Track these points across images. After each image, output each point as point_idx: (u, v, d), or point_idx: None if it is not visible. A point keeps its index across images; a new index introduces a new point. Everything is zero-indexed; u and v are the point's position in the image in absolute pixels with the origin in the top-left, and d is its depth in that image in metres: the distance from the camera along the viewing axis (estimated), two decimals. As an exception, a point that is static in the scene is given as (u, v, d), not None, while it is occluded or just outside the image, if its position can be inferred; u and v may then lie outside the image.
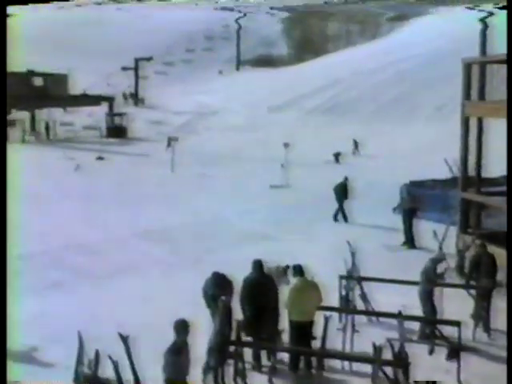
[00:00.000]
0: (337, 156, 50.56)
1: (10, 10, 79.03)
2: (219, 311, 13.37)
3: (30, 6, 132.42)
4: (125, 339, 11.26)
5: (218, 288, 14.82)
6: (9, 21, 67.87)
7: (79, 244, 24.49)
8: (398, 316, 13.60)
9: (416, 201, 26.19)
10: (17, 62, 68.78)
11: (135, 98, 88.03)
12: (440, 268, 16.37)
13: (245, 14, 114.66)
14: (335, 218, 29.24)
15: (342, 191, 29.73)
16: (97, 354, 11.35)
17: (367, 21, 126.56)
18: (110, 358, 11.05)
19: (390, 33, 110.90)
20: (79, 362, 11.69)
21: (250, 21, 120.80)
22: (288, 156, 42.36)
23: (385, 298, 16.69)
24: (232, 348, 13.24)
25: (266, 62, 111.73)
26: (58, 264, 21.96)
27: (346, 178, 30.27)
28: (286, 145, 43.41)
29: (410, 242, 24.89)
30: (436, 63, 79.58)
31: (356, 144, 56.08)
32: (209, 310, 14.95)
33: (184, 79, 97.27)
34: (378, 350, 12.23)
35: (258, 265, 14.93)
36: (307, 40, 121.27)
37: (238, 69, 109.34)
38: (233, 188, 37.70)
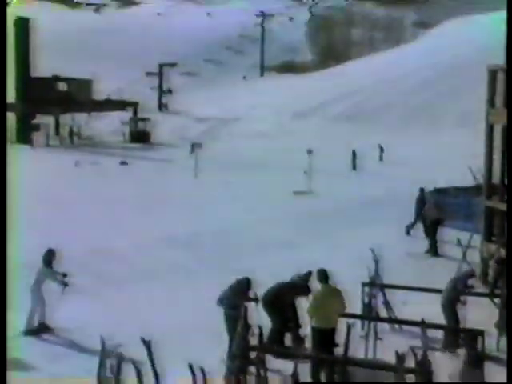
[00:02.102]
0: (353, 157, 50.49)
1: (33, 14, 79.51)
2: (241, 317, 13.36)
3: (56, 11, 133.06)
4: (147, 344, 11.28)
5: (239, 295, 14.84)
6: (33, 26, 68.22)
7: (103, 249, 24.55)
8: (421, 324, 13.53)
9: (440, 209, 26.05)
10: (42, 67, 69.16)
11: (160, 102, 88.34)
12: (470, 282, 16.29)
13: (263, 19, 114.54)
14: (408, 232, 27.73)
15: (422, 204, 27.51)
16: (119, 358, 11.37)
17: (391, 27, 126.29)
18: (133, 362, 11.07)
19: (414, 39, 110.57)
20: (102, 366, 11.71)
21: (274, 27, 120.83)
22: (311, 163, 42.28)
23: (408, 306, 16.62)
24: (253, 354, 13.23)
25: (289, 67, 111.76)
26: (82, 269, 22.02)
27: (422, 190, 28.53)
28: (310, 151, 43.33)
29: (434, 249, 24.79)
30: (461, 70, 79.24)
31: (381, 150, 55.99)
32: (225, 316, 14.94)
33: (208, 85, 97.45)
34: (400, 358, 12.16)
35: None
36: (331, 46, 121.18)
37: (262, 75, 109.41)
38: (256, 194, 37.66)
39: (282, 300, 15.38)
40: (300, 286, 15.54)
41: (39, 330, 16.60)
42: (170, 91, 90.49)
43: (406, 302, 16.89)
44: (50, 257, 17.37)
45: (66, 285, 17.06)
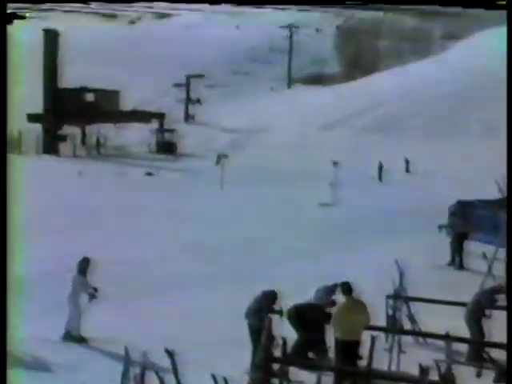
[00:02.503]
0: (380, 169, 50.42)
1: (65, 26, 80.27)
2: (265, 328, 13.35)
3: (83, 23, 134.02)
4: (171, 354, 11.31)
5: (264, 307, 14.85)
6: (64, 37, 68.74)
7: (128, 259, 24.64)
8: (446, 337, 13.46)
9: (467, 222, 25.89)
10: (70, 79, 69.65)
11: (187, 113, 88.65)
12: (498, 297, 16.17)
13: (291, 31, 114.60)
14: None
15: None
16: (143, 368, 11.41)
17: (419, 39, 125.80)
18: (156, 372, 11.11)
19: (442, 51, 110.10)
20: (125, 375, 11.75)
21: (301, 39, 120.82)
22: (337, 174, 42.25)
23: (432, 319, 16.53)
24: (277, 366, 13.21)
25: (316, 79, 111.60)
26: (107, 279, 22.11)
27: (460, 203, 28.33)
28: (335, 163, 43.32)
29: (459, 262, 24.66)
30: (488, 82, 78.82)
31: (407, 161, 55.92)
32: (249, 327, 14.94)
33: (235, 96, 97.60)
34: (424, 371, 12.09)
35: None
36: (358, 58, 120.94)
37: (289, 86, 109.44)
38: (282, 206, 37.66)
39: (307, 317, 15.37)
40: (325, 312, 15.42)
41: (76, 340, 16.65)
42: (198, 101, 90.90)
43: (429, 315, 16.78)
44: (84, 265, 17.42)
45: (94, 297, 17.11)
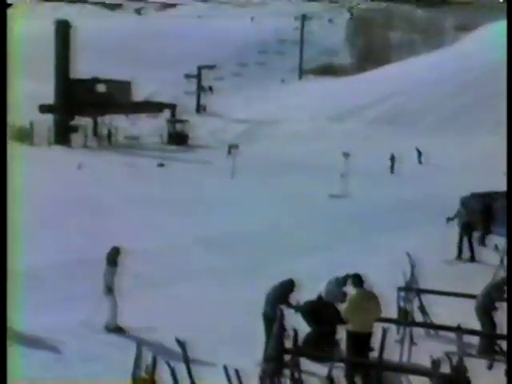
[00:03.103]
0: (392, 161, 50.36)
1: (74, 17, 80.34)
2: (277, 319, 13.36)
3: (96, 13, 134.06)
4: (182, 345, 11.33)
5: (280, 297, 14.86)
6: (74, 28, 68.69)
7: (139, 250, 24.66)
8: (457, 329, 13.44)
9: (475, 214, 25.80)
10: (81, 69, 69.71)
11: (198, 104, 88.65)
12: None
13: (303, 22, 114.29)
14: (483, 243, 26.57)
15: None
16: (154, 359, 11.43)
17: (431, 30, 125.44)
18: (168, 363, 11.12)
19: (454, 42, 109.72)
20: (136, 366, 11.77)
21: (313, 29, 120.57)
22: (348, 166, 42.21)
23: (443, 311, 16.52)
24: (288, 357, 13.22)
25: (328, 71, 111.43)
26: (119, 270, 22.15)
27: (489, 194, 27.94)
28: (346, 155, 43.27)
29: (470, 255, 24.61)
30: (500, 74, 78.51)
31: (419, 153, 55.83)
32: (263, 317, 14.95)
33: (246, 87, 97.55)
34: (435, 363, 12.09)
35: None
36: (370, 49, 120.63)
37: (300, 77, 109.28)
38: (293, 197, 37.66)
39: (320, 315, 15.38)
40: (336, 310, 15.42)
41: (111, 330, 16.73)
42: (210, 89, 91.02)
43: (440, 307, 16.77)
44: (114, 255, 17.27)
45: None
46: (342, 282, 15.85)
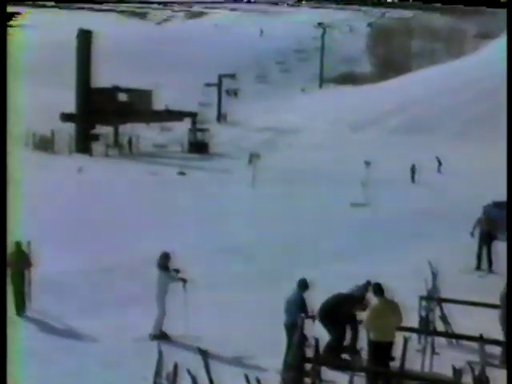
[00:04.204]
0: (413, 170, 50.22)
1: (97, 25, 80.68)
2: (298, 327, 13.34)
3: (115, 24, 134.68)
4: (204, 353, 11.33)
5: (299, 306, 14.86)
6: (96, 36, 69.07)
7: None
8: (480, 339, 13.36)
9: (496, 223, 25.53)
10: (103, 78, 70.03)
11: (219, 113, 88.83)
12: None
13: (323, 31, 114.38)
14: None
15: None
16: (175, 367, 11.44)
17: (452, 38, 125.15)
18: (189, 371, 11.13)
19: (475, 50, 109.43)
20: (158, 374, 11.79)
21: (333, 38, 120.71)
22: (369, 174, 42.12)
23: (465, 321, 16.43)
24: (309, 366, 13.20)
25: (348, 79, 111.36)
26: (137, 277, 22.23)
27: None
28: (367, 163, 43.19)
29: (488, 266, 24.38)
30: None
31: (439, 162, 55.66)
32: (284, 326, 14.93)
33: (267, 96, 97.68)
34: (457, 373, 12.03)
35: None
36: (390, 58, 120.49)
37: (320, 86, 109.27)
38: (314, 205, 37.62)
39: (337, 313, 15.34)
40: (356, 297, 15.47)
41: (157, 337, 16.74)
42: (235, 93, 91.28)
43: (462, 317, 16.68)
44: (165, 260, 17.43)
45: (184, 281, 17.17)
46: (362, 289, 15.80)
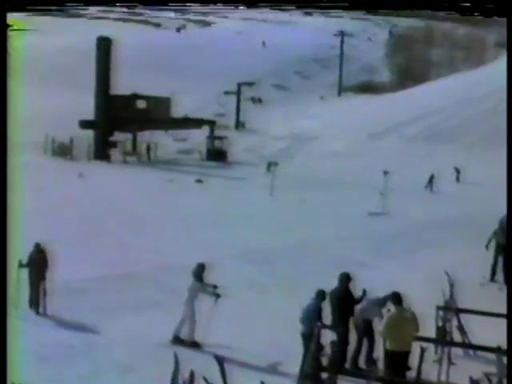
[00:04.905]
0: (431, 180, 50.08)
1: (116, 33, 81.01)
2: (315, 337, 13.33)
3: (133, 31, 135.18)
4: (220, 361, 11.34)
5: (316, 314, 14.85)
6: (114, 45, 69.29)
7: (178, 265, 24.76)
8: (497, 350, 13.30)
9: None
10: (121, 85, 70.25)
11: (237, 120, 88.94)
12: None
13: (342, 39, 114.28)
14: None
15: None
16: (191, 374, 11.45)
17: (472, 47, 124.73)
18: (205, 379, 11.15)
19: (495, 59, 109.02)
20: (174, 381, 11.81)
21: (352, 47, 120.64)
22: (387, 183, 42.01)
23: (482, 331, 16.35)
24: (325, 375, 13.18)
25: (367, 88, 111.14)
26: (156, 284, 22.30)
27: None
28: (386, 172, 43.08)
29: (504, 277, 24.15)
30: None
31: (458, 171, 55.50)
32: (301, 334, 14.92)
33: (285, 104, 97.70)
34: (474, 383, 11.98)
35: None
36: (410, 67, 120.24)
37: (339, 95, 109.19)
38: (331, 214, 37.58)
39: (351, 307, 15.41)
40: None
41: (188, 344, 16.89)
42: (260, 100, 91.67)
43: (480, 327, 16.60)
44: (200, 271, 17.69)
45: (218, 296, 17.33)
46: (382, 302, 15.74)
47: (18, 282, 18.97)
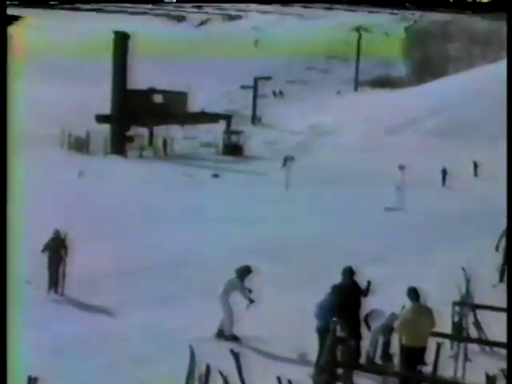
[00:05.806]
0: (444, 173, 49.90)
1: (134, 27, 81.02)
2: (330, 332, 13.32)
3: (151, 25, 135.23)
4: (236, 355, 11.36)
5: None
6: (130, 39, 69.28)
7: (193, 259, 24.84)
8: (513, 346, 13.25)
9: None
10: (138, 80, 70.34)
11: (254, 115, 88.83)
12: None
13: (360, 34, 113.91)
14: None
15: None
16: (207, 368, 11.48)
17: (491, 41, 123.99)
18: (221, 373, 11.17)
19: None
20: (190, 375, 11.84)
21: (368, 41, 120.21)
22: (403, 178, 41.88)
23: (499, 328, 16.29)
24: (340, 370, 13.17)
25: (384, 82, 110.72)
26: (172, 278, 22.34)
27: None
28: (402, 167, 42.95)
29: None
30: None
31: (475, 165, 55.27)
32: (316, 329, 14.90)
33: (302, 98, 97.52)
34: (491, 380, 11.93)
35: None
36: (427, 61, 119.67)
37: (356, 89, 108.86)
38: (347, 209, 37.53)
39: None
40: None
41: (228, 338, 17.09)
42: (281, 93, 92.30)
43: (496, 323, 16.54)
44: (245, 272, 18.03)
45: (251, 301, 17.58)
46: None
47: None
